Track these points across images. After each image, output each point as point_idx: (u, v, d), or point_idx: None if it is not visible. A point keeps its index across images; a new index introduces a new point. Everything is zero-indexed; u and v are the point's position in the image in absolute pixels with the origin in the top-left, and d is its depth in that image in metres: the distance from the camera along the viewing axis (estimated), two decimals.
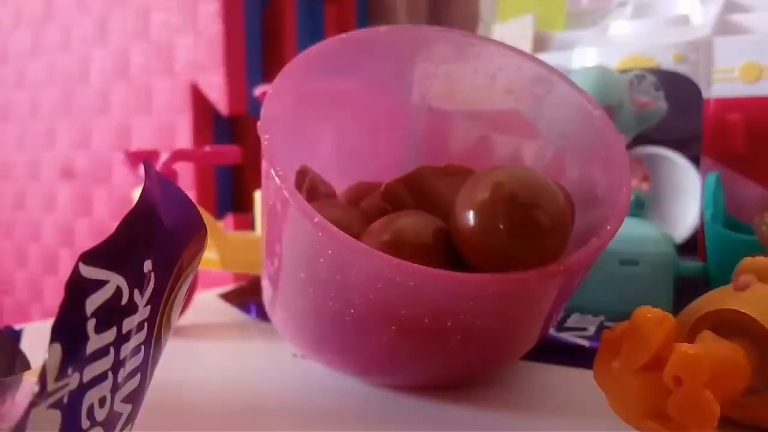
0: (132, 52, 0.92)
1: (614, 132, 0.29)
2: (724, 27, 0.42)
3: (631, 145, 0.46)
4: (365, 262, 0.23)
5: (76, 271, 0.14)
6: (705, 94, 0.40)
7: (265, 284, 0.31)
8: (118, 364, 0.16)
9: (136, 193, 0.18)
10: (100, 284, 0.15)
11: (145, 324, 0.18)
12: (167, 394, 0.28)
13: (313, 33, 0.92)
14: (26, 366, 0.26)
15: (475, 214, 0.24)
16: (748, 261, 0.24)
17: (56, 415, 0.14)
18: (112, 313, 0.15)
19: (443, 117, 0.35)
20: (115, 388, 0.16)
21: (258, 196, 0.50)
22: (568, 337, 0.33)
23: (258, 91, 0.51)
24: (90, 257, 0.14)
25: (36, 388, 0.13)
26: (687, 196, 0.48)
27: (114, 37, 0.94)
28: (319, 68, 0.31)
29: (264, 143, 0.26)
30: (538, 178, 0.24)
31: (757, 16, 0.42)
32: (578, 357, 0.31)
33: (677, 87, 0.41)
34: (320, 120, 0.34)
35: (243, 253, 0.45)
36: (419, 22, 0.94)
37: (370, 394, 0.29)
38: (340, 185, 0.34)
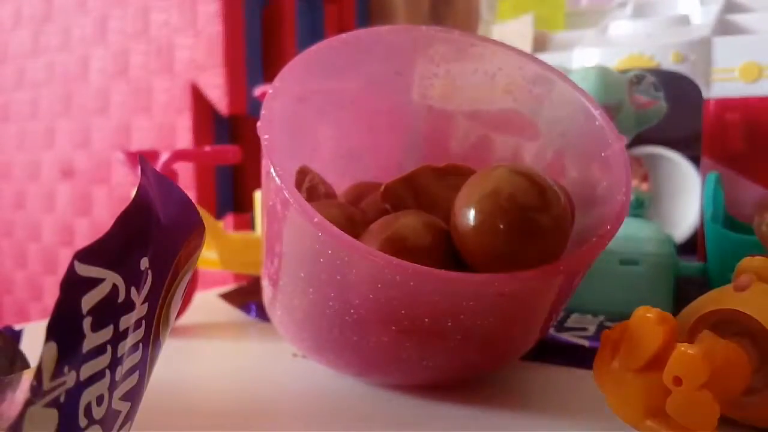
0: (132, 52, 0.92)
1: (614, 132, 0.29)
2: (724, 27, 0.42)
3: (631, 145, 0.46)
4: (365, 262, 0.23)
5: (71, 269, 0.14)
6: (705, 94, 0.40)
7: (265, 284, 0.31)
8: (115, 362, 0.16)
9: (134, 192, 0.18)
10: (96, 282, 0.15)
11: (143, 322, 0.18)
12: (167, 393, 0.28)
13: (313, 33, 0.91)
14: (26, 365, 0.26)
15: (475, 214, 0.24)
16: (748, 261, 0.24)
17: (53, 414, 0.14)
18: (109, 311, 0.15)
19: (443, 117, 0.35)
20: (113, 386, 0.16)
21: (258, 196, 0.49)
22: (568, 337, 0.33)
23: (258, 91, 0.51)
24: (86, 255, 0.14)
25: (32, 387, 0.13)
26: (687, 196, 0.48)
27: (114, 37, 0.94)
28: (319, 68, 0.31)
29: (264, 143, 0.26)
30: (538, 178, 0.24)
31: (757, 16, 0.42)
32: (578, 357, 0.31)
33: (677, 87, 0.41)
34: (320, 120, 0.34)
35: (243, 253, 0.45)
36: (419, 22, 0.94)
37: (370, 394, 0.29)
38: (340, 185, 0.34)
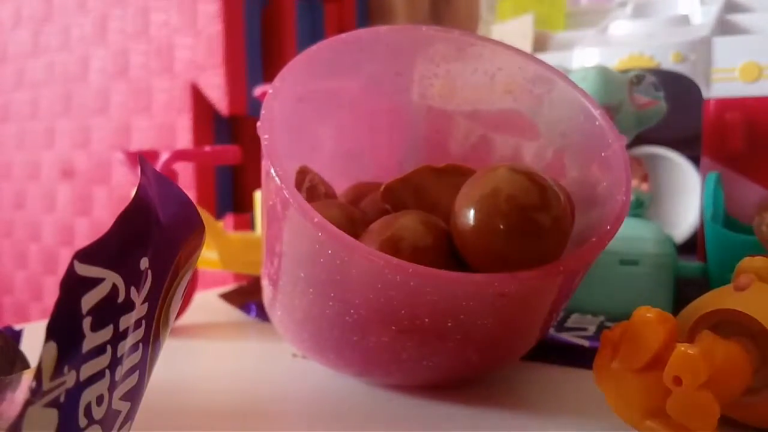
0: (132, 52, 0.92)
1: (614, 132, 0.29)
2: (724, 27, 0.42)
3: (631, 145, 0.46)
4: (365, 262, 0.23)
5: (71, 269, 0.14)
6: (705, 94, 0.40)
7: (265, 284, 0.31)
8: (115, 362, 0.16)
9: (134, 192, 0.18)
10: (95, 282, 0.15)
11: (143, 322, 0.18)
12: (167, 393, 0.28)
13: (313, 33, 0.91)
14: (26, 365, 0.26)
15: (475, 214, 0.24)
16: (748, 261, 0.24)
17: (53, 414, 0.14)
18: (109, 311, 0.15)
19: (443, 117, 0.35)
20: (113, 386, 0.16)
21: (258, 196, 0.49)
22: (568, 337, 0.33)
23: (258, 91, 0.51)
24: (85, 255, 0.14)
25: (32, 387, 0.13)
26: (687, 196, 0.48)
27: (113, 37, 0.94)
28: (319, 68, 0.31)
29: (264, 143, 0.26)
30: (538, 178, 0.24)
31: (757, 16, 0.42)
32: (578, 357, 0.31)
33: (677, 87, 0.41)
34: (320, 120, 0.34)
35: (243, 253, 0.45)
36: (419, 22, 0.94)
37: (370, 394, 0.29)
38: (340, 185, 0.34)
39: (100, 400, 0.16)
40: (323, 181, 0.32)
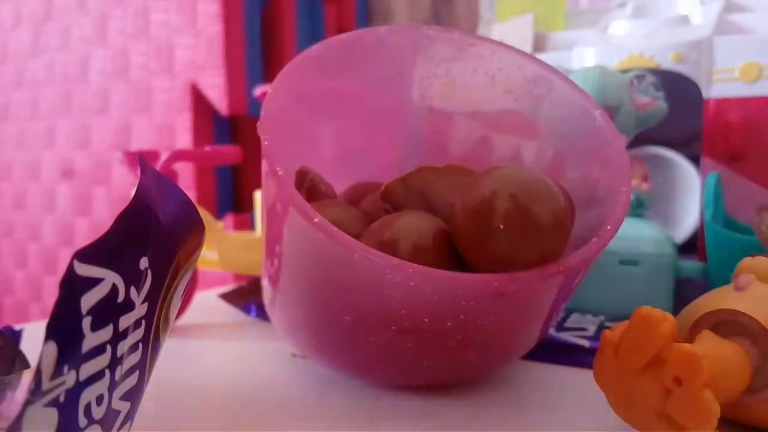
0: (131, 52, 0.92)
1: (614, 132, 0.29)
2: (724, 27, 0.42)
3: (631, 145, 0.46)
4: (365, 262, 0.23)
5: (70, 269, 0.14)
6: (705, 94, 0.40)
7: (265, 284, 0.31)
8: (115, 362, 0.16)
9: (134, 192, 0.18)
10: (95, 282, 0.14)
11: (143, 321, 0.18)
12: (167, 393, 0.28)
13: (313, 33, 0.91)
14: (25, 365, 0.26)
15: (475, 215, 0.24)
16: (748, 261, 0.24)
17: (53, 414, 0.14)
18: (108, 310, 0.15)
19: (443, 117, 0.35)
20: (112, 386, 0.16)
21: (258, 196, 0.50)
22: (568, 337, 0.33)
23: (258, 91, 0.51)
24: (85, 255, 0.14)
25: (31, 387, 0.13)
26: (687, 196, 0.48)
27: (113, 37, 0.94)
28: (319, 68, 0.31)
29: (264, 143, 0.26)
30: (538, 178, 0.24)
31: (757, 16, 0.42)
32: (578, 357, 0.31)
33: (677, 87, 0.41)
34: (320, 120, 0.34)
35: (243, 253, 0.45)
36: (419, 22, 0.94)
37: (370, 394, 0.29)
38: (340, 185, 0.34)
39: (99, 400, 0.16)
40: (323, 181, 0.32)
